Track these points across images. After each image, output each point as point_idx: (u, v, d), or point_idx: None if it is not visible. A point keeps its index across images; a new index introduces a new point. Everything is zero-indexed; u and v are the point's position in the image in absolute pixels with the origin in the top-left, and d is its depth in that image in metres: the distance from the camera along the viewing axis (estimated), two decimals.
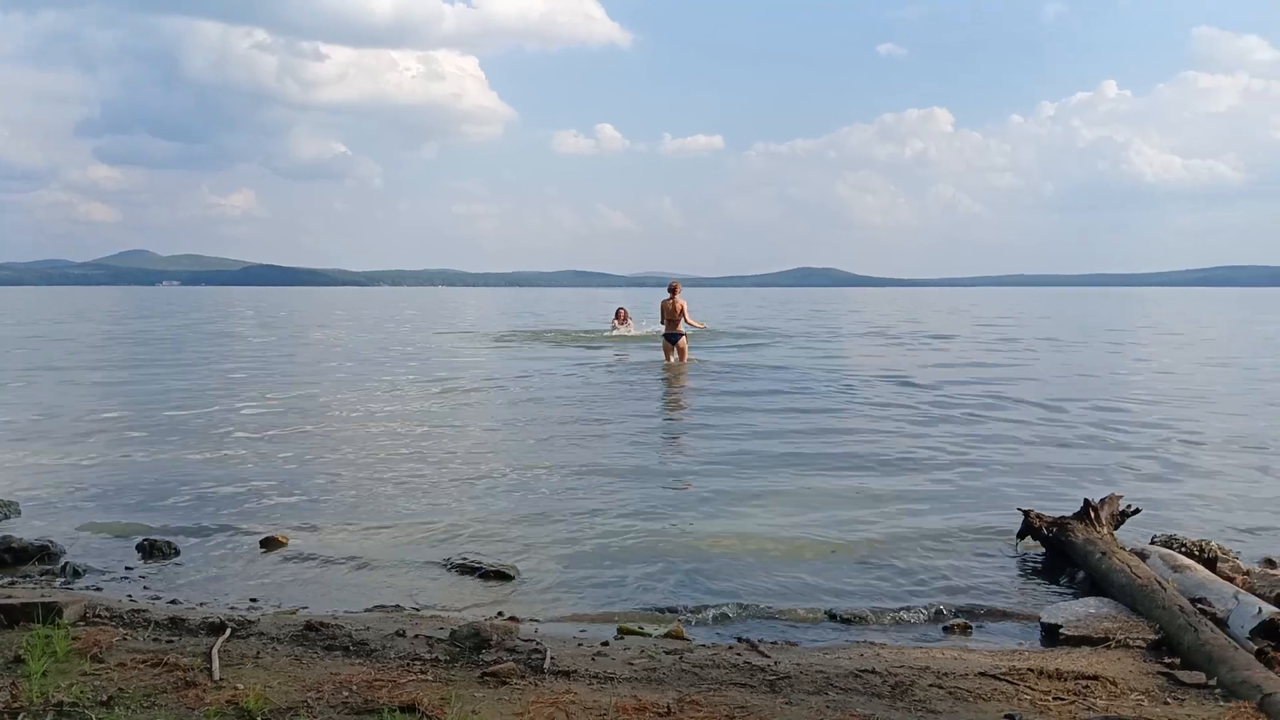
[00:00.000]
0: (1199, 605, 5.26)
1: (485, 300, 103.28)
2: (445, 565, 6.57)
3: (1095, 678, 4.49)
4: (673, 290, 19.83)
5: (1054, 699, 4.23)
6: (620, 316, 29.63)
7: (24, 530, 7.12)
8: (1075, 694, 4.30)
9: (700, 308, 43.73)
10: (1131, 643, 5.07)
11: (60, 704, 3.73)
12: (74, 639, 4.51)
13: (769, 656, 4.84)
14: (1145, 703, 4.22)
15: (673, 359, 20.12)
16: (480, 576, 6.32)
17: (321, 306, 75.77)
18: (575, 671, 4.45)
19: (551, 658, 4.58)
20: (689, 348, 20.71)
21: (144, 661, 4.33)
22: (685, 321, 20.10)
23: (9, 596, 5.28)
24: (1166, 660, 4.81)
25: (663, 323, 20.36)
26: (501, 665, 4.38)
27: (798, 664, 4.69)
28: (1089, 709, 4.09)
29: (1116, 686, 4.41)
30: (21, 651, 4.26)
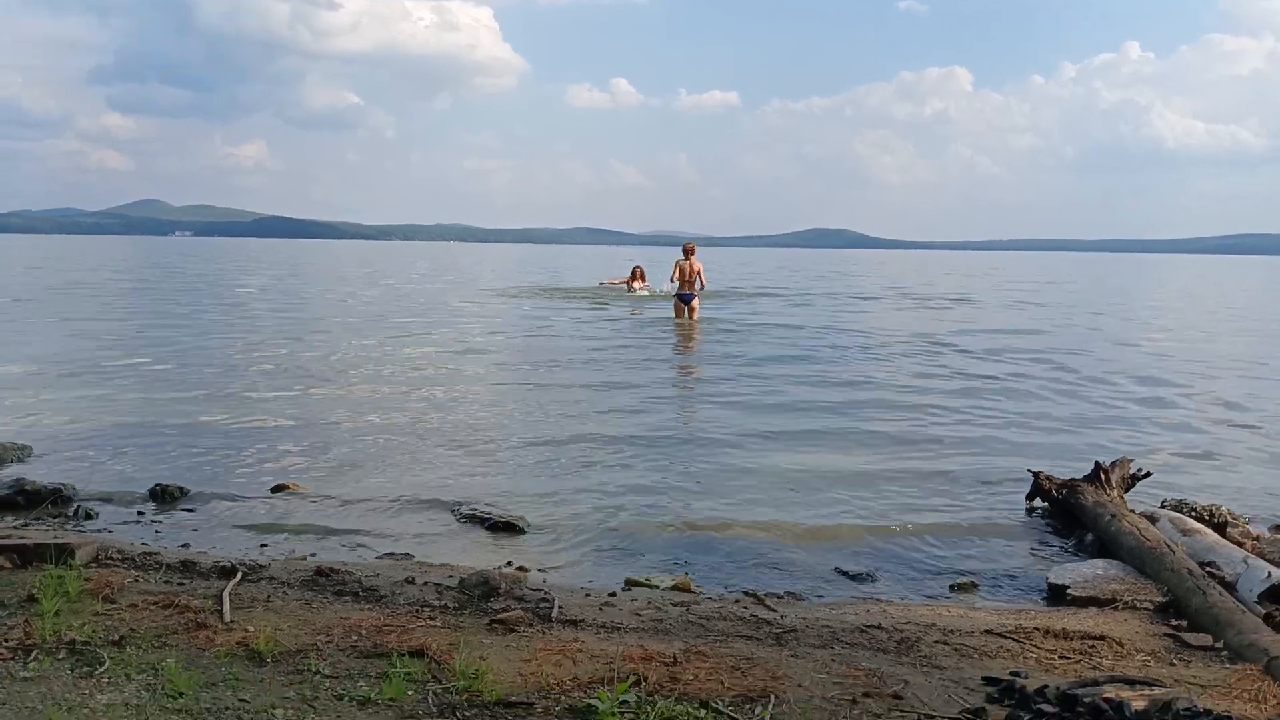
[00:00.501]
0: (1208, 569, 5.26)
1: (500, 256, 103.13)
2: (455, 516, 6.60)
3: (1101, 638, 4.49)
4: (689, 252, 19.98)
5: (1060, 658, 4.24)
6: (637, 275, 29.39)
7: (37, 473, 7.18)
8: (1081, 653, 4.31)
9: (716, 268, 43.56)
10: (1139, 604, 5.07)
11: (72, 642, 3.78)
12: (86, 580, 4.56)
13: (775, 610, 4.86)
14: (1151, 663, 4.22)
15: (683, 318, 20.16)
16: (489, 528, 6.36)
17: (336, 261, 75.80)
18: (583, 621, 4.48)
19: (559, 607, 4.61)
20: (699, 307, 20.77)
21: (155, 603, 4.37)
22: (701, 283, 20.23)
23: (22, 537, 5.34)
24: (1173, 622, 4.81)
25: (674, 281, 20.44)
26: (510, 613, 4.41)
27: (804, 618, 4.71)
28: (1094, 668, 4.10)
29: (1123, 647, 4.41)
30: (35, 591, 4.30)
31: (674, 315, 20.61)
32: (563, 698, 3.44)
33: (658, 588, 5.27)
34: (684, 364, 15.55)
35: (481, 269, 59.66)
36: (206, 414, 9.86)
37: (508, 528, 6.33)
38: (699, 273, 20.00)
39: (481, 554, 5.85)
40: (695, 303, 20.36)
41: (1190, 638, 4.55)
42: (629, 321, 21.73)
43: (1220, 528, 6.19)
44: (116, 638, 3.86)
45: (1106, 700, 3.45)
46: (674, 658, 3.88)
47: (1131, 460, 7.10)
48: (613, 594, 5.07)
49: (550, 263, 73.38)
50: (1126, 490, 6.84)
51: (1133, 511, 6.22)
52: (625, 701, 3.36)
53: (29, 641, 3.77)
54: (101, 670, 3.53)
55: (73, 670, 3.54)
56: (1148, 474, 7.06)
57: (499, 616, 4.37)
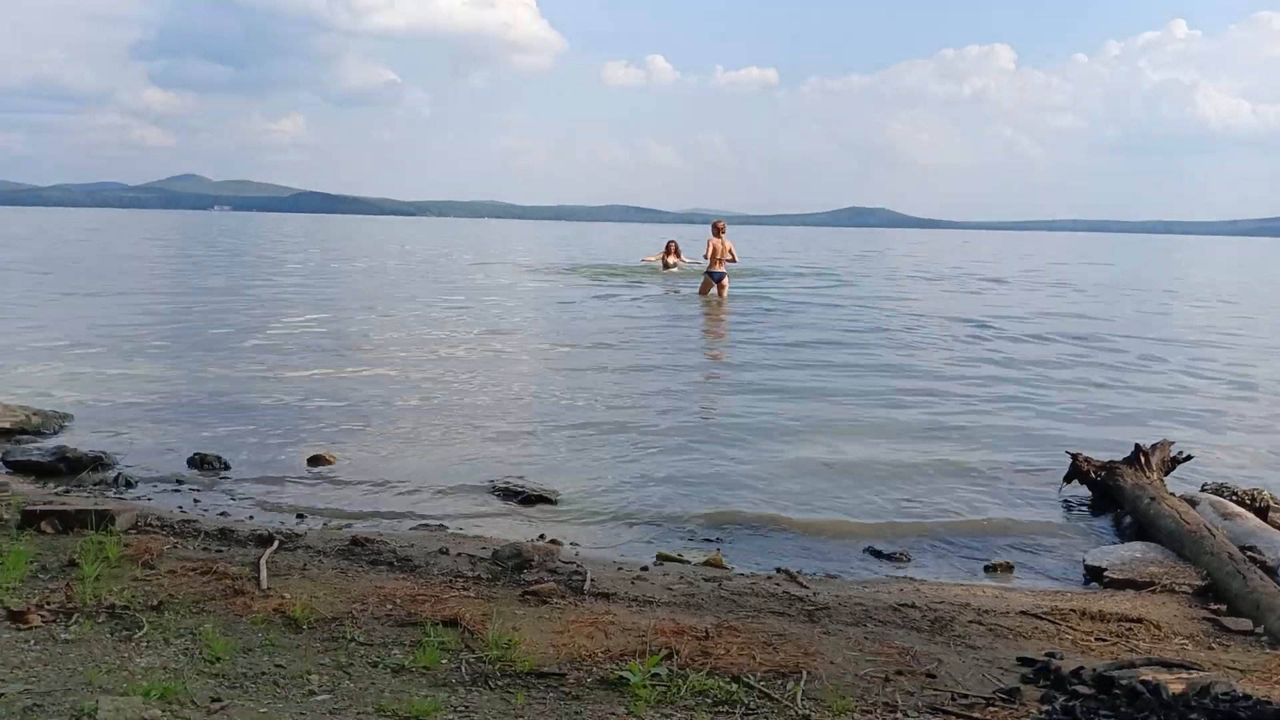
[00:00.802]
0: (1249, 553, 5.18)
1: (534, 234, 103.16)
2: (488, 488, 6.63)
3: (1139, 620, 4.44)
4: (719, 230, 20.10)
5: (1096, 640, 4.20)
6: (671, 250, 29.16)
7: (78, 441, 7.28)
8: (1118, 636, 4.26)
9: (754, 247, 43.08)
10: (1177, 588, 5.01)
11: (112, 606, 3.84)
12: (126, 546, 4.63)
13: (808, 588, 4.84)
14: (1189, 647, 4.17)
15: (710, 294, 20.29)
16: (522, 501, 6.38)
17: (372, 237, 76.20)
18: (615, 594, 4.49)
19: (592, 580, 4.62)
20: (729, 285, 20.75)
21: (194, 569, 4.43)
22: (734, 258, 20.42)
23: (64, 504, 5.43)
24: (1212, 606, 4.75)
25: (705, 258, 20.55)
26: (543, 585, 4.43)
27: (837, 596, 4.69)
28: (1131, 650, 4.05)
29: (1160, 630, 4.36)
30: (76, 556, 4.38)
31: (700, 293, 20.61)
32: (595, 669, 3.45)
33: (689, 563, 5.27)
34: (720, 346, 15.44)
35: (516, 246, 59.72)
36: (244, 386, 9.96)
37: (540, 500, 6.36)
38: (730, 250, 20.09)
39: (514, 527, 5.88)
40: (725, 281, 20.37)
41: (1230, 622, 4.49)
42: (665, 300, 21.66)
43: (1262, 512, 6.09)
44: (155, 603, 3.92)
45: (1144, 682, 3.41)
46: (706, 632, 3.88)
47: (1172, 443, 6.99)
48: (644, 568, 5.08)
49: (584, 241, 73.35)
50: (1166, 473, 6.75)
51: (1172, 495, 6.14)
52: (657, 674, 3.36)
53: (70, 605, 3.83)
54: (140, 634, 3.59)
55: (112, 634, 3.60)
56: (1188, 457, 6.96)
57: (532, 588, 4.39)
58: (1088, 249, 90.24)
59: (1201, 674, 3.61)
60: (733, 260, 20.43)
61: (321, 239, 64.24)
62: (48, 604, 3.84)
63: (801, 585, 4.89)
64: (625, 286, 24.69)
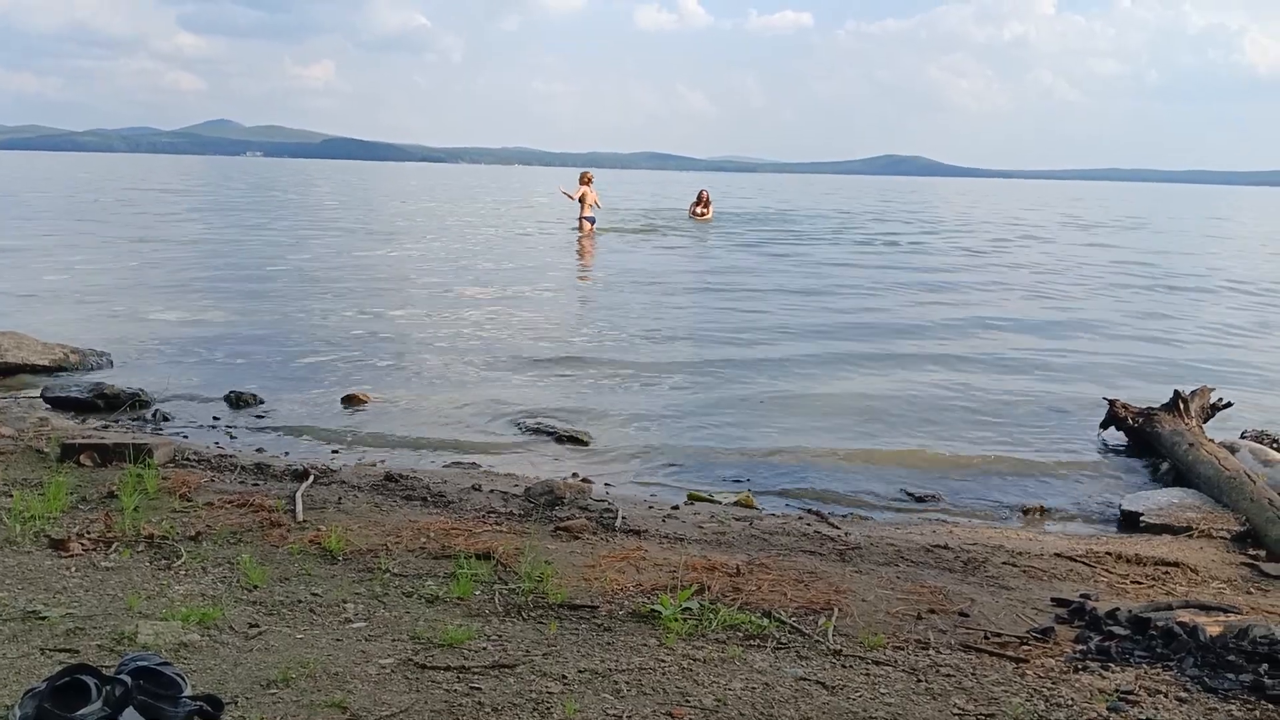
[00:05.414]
0: None
1: (565, 181, 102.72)
2: (521, 428, 6.65)
3: (1176, 564, 4.39)
4: (588, 180, 23.26)
5: (1132, 583, 4.16)
6: (702, 200, 29.20)
7: (115, 379, 7.36)
8: (1154, 579, 4.22)
9: (792, 194, 42.39)
10: (1215, 533, 4.95)
11: (151, 536, 3.89)
12: (164, 479, 4.68)
13: (839, 528, 4.83)
14: (1227, 591, 4.12)
15: (584, 231, 23.19)
16: (555, 441, 6.40)
17: (403, 183, 76.09)
18: (646, 531, 4.50)
19: (623, 517, 4.63)
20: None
21: (230, 502, 4.48)
22: (597, 206, 23.68)
23: (102, 438, 5.48)
24: (1251, 552, 4.69)
25: (577, 202, 23.29)
26: (574, 521, 4.44)
27: (868, 536, 4.67)
28: (1168, 594, 4.01)
29: (1198, 574, 4.31)
30: (115, 488, 4.44)
31: (580, 230, 23.28)
32: (626, 602, 3.46)
33: (720, 503, 5.27)
34: (755, 290, 15.34)
35: (546, 193, 59.43)
36: (280, 328, 10.03)
37: (572, 440, 6.37)
38: (595, 199, 23.43)
39: (546, 465, 5.90)
40: (594, 225, 23.43)
41: (1269, 567, 4.43)
42: (693, 249, 21.61)
43: None
44: (193, 533, 3.97)
45: (1180, 624, 3.38)
46: (737, 569, 3.87)
47: (1213, 389, 6.89)
48: (675, 507, 5.08)
49: (615, 189, 72.92)
50: (1206, 420, 6.65)
51: (1212, 441, 6.05)
52: (688, 608, 3.37)
53: (109, 534, 3.89)
54: (179, 563, 3.64)
55: (151, 562, 3.65)
56: (1228, 404, 6.86)
57: (564, 524, 4.41)
58: (1138, 198, 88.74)
59: (1239, 617, 3.57)
60: (598, 206, 23.58)
61: (353, 184, 64.22)
62: (88, 533, 3.89)
63: (833, 525, 4.87)
64: (652, 234, 24.73)
